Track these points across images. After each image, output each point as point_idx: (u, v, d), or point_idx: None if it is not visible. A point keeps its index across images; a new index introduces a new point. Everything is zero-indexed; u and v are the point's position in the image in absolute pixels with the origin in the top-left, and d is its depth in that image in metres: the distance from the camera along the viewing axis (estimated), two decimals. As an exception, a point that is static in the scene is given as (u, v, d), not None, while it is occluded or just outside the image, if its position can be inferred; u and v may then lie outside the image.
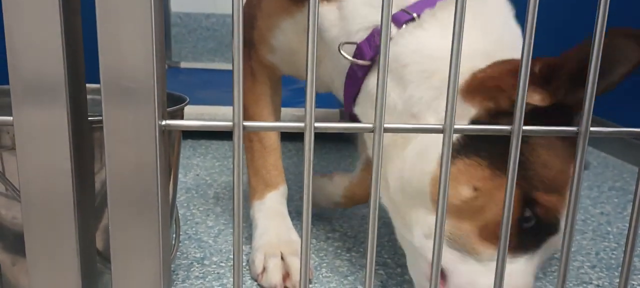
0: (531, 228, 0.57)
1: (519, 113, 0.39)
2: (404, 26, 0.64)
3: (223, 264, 0.84)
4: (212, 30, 2.57)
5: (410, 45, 0.64)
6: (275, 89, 0.92)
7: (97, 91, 0.37)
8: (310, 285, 0.79)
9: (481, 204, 0.57)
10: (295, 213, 0.94)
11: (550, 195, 0.55)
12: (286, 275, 0.77)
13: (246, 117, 0.92)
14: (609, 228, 1.05)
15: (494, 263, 0.42)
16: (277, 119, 0.94)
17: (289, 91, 1.85)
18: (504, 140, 0.39)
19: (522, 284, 0.57)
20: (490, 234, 0.57)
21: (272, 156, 0.90)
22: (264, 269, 0.78)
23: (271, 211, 0.88)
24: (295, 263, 0.77)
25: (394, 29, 0.64)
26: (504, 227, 0.41)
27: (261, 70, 0.89)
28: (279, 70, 0.89)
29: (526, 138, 0.53)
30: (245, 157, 0.92)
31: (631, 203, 0.42)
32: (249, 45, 0.88)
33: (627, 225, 0.43)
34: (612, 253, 0.95)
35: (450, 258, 0.58)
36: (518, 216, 0.56)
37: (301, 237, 0.40)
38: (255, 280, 0.79)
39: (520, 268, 0.57)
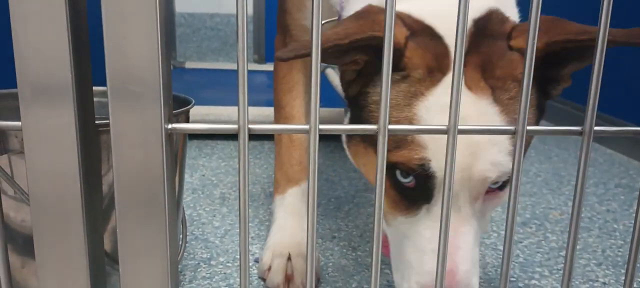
0: (416, 185, 0.57)
1: (523, 113, 0.39)
2: None
3: (230, 264, 0.84)
4: (216, 30, 2.58)
5: None
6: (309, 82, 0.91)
7: (104, 94, 0.37)
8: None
9: (366, 171, 0.64)
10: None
11: (401, 150, 0.56)
12: (291, 276, 0.77)
13: (277, 106, 0.92)
14: (616, 226, 1.05)
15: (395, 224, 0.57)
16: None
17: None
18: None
19: (433, 235, 0.57)
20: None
21: (298, 151, 0.89)
22: (270, 268, 0.78)
23: (290, 208, 0.88)
24: (299, 265, 0.77)
25: None
26: (509, 226, 0.41)
27: (292, 61, 0.88)
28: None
29: (363, 105, 0.60)
30: (275, 150, 0.92)
31: (637, 200, 0.42)
32: (284, 30, 0.87)
33: (634, 222, 0.43)
34: (619, 251, 0.94)
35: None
36: (392, 183, 0.58)
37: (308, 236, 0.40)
38: (262, 278, 0.79)
39: (426, 221, 0.58)
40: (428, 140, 0.54)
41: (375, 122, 0.43)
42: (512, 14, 0.65)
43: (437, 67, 0.56)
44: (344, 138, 0.68)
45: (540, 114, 0.62)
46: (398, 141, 0.55)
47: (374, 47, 0.53)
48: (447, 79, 0.56)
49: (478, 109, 0.55)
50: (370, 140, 0.61)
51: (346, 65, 0.60)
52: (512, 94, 0.56)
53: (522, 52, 0.56)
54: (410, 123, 0.55)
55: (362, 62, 0.59)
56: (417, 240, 0.58)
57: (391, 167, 0.57)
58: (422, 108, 0.55)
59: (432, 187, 0.56)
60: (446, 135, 0.38)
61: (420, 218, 0.58)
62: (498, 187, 0.59)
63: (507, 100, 0.56)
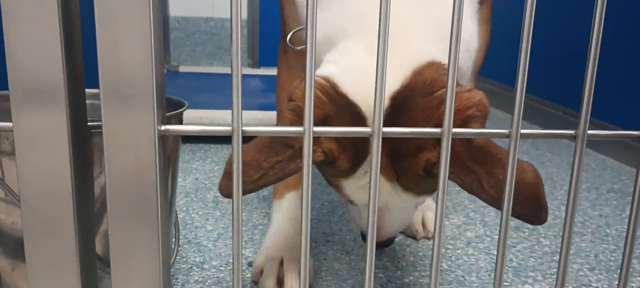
0: None
1: (517, 117, 0.39)
2: None
3: (222, 268, 0.84)
4: (210, 34, 2.58)
5: None
6: None
7: (97, 96, 0.37)
8: (310, 289, 0.79)
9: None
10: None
11: (336, 188, 0.68)
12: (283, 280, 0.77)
13: (279, 113, 0.94)
14: (608, 230, 1.05)
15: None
16: None
17: (288, 95, 1.85)
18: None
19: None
20: None
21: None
22: (262, 272, 0.78)
23: (287, 212, 0.88)
24: (290, 270, 0.77)
25: None
26: (502, 230, 0.41)
27: (297, 61, 0.89)
28: None
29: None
30: None
31: (630, 205, 0.43)
32: (284, 38, 0.89)
33: (626, 227, 0.43)
34: (611, 255, 0.95)
35: None
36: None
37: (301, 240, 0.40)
38: (254, 282, 0.79)
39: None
40: (350, 195, 0.67)
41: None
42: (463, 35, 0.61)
43: (356, 161, 0.61)
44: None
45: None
46: (335, 186, 0.68)
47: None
48: (364, 164, 0.61)
49: (393, 193, 0.64)
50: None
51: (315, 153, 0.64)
52: (414, 180, 0.62)
53: (428, 166, 0.59)
54: (340, 189, 0.67)
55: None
56: (364, 213, 0.74)
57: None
58: (347, 187, 0.65)
59: (355, 204, 0.72)
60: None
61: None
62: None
63: (412, 184, 0.63)
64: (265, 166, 0.57)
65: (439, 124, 0.50)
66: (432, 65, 0.58)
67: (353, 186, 0.64)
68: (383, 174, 0.62)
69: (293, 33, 0.79)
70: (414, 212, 0.83)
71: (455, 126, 0.39)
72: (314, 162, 0.60)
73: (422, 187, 0.64)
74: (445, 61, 0.59)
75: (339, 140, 0.60)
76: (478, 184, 0.54)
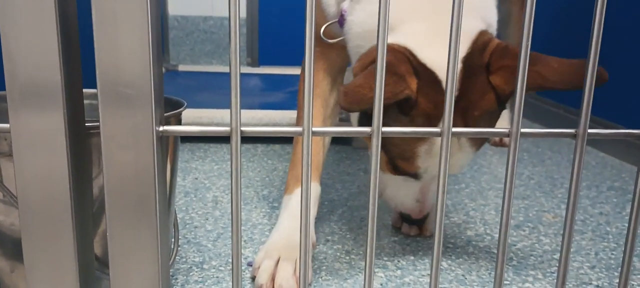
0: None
1: (517, 116, 0.39)
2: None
3: (222, 268, 0.84)
4: (209, 33, 2.57)
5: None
6: (333, 81, 0.94)
7: (95, 96, 0.37)
8: (310, 288, 0.79)
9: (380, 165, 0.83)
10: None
11: (404, 161, 0.77)
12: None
13: (299, 106, 0.98)
14: (608, 229, 1.05)
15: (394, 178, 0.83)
16: (330, 114, 0.95)
17: (287, 93, 1.85)
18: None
19: (416, 190, 0.85)
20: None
21: (312, 151, 0.90)
22: (259, 268, 0.78)
23: (295, 209, 0.88)
24: (283, 269, 0.77)
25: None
26: (502, 229, 0.41)
27: (316, 61, 0.91)
28: (335, 56, 0.92)
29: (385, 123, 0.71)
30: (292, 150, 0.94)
31: (630, 203, 0.42)
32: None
33: (626, 225, 0.43)
34: (612, 254, 0.95)
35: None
36: (392, 167, 0.80)
37: (301, 240, 0.40)
38: (252, 278, 0.79)
39: (414, 185, 0.84)
40: (422, 169, 0.77)
41: (387, 149, 0.76)
42: (491, 19, 0.77)
43: (435, 115, 0.70)
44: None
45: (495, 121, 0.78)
46: (405, 158, 0.76)
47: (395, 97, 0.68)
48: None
49: (457, 147, 0.75)
50: (382, 145, 0.76)
51: None
52: (482, 126, 0.72)
53: (498, 91, 0.70)
54: (413, 156, 0.75)
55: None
56: (408, 189, 0.85)
57: (394, 165, 0.79)
58: (423, 151, 0.74)
59: (419, 176, 0.80)
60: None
61: (411, 182, 0.83)
62: None
63: (480, 138, 0.75)
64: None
65: (494, 77, 0.70)
66: (483, 34, 0.72)
67: (428, 152, 0.73)
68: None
69: (326, 26, 0.86)
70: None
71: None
72: (396, 100, 0.66)
73: (482, 141, 0.76)
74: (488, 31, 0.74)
75: (421, 89, 0.68)
76: (541, 77, 0.66)
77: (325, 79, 0.93)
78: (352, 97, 0.61)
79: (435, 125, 0.69)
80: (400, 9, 0.73)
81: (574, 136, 0.40)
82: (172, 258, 0.76)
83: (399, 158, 0.77)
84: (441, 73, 0.70)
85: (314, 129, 0.37)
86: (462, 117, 0.71)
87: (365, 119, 0.76)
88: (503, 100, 0.72)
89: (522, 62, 0.38)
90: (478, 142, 0.77)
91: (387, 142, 0.77)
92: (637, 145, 1.45)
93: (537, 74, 0.66)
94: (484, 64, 0.71)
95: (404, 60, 0.68)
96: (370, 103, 0.64)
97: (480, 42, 0.72)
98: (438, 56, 0.69)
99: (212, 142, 1.53)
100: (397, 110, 0.71)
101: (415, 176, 0.80)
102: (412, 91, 0.68)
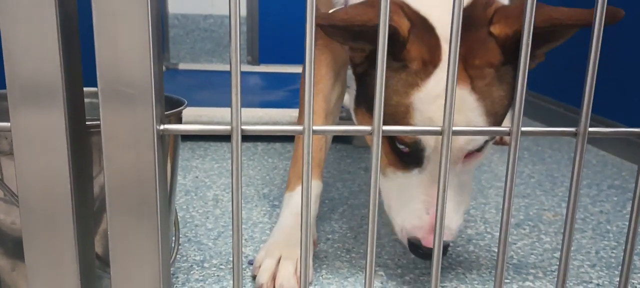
0: (410, 152, 0.69)
1: (518, 114, 0.39)
2: None
3: (223, 267, 0.84)
4: (210, 31, 2.57)
5: None
6: (336, 76, 0.92)
7: (95, 95, 0.37)
8: (311, 287, 0.79)
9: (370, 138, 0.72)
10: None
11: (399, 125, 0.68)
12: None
13: (301, 101, 0.95)
14: (609, 227, 1.05)
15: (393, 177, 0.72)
16: (332, 110, 0.94)
17: (288, 92, 1.85)
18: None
19: (422, 190, 0.71)
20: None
21: (314, 148, 0.89)
22: (260, 267, 0.78)
23: (296, 207, 0.87)
24: (284, 269, 0.77)
25: None
26: (503, 227, 0.41)
27: (319, 55, 0.89)
28: (339, 48, 0.90)
29: (369, 84, 0.70)
30: (294, 147, 0.93)
31: (630, 201, 0.42)
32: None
33: (627, 223, 0.43)
34: (612, 252, 0.95)
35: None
36: (391, 147, 0.71)
37: (302, 238, 0.40)
38: (253, 276, 0.79)
39: (417, 179, 0.71)
40: (420, 122, 0.65)
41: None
42: None
43: (430, 60, 0.65)
44: (352, 106, 0.78)
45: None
46: (397, 120, 0.66)
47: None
48: (438, 71, 0.64)
49: (459, 99, 0.64)
50: (369, 103, 0.70)
51: (354, 50, 0.69)
52: (487, 80, 0.65)
53: (500, 39, 0.65)
54: (407, 110, 0.66)
55: (368, 50, 0.68)
56: (410, 190, 0.72)
57: (391, 138, 0.70)
58: (417, 98, 0.65)
59: (422, 155, 0.68)
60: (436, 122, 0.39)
61: (413, 176, 0.71)
62: (476, 149, 0.69)
63: (484, 87, 0.65)
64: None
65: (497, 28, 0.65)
66: None
67: (426, 99, 0.65)
68: (459, 82, 0.63)
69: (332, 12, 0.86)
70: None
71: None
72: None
73: (495, 97, 0.66)
74: None
75: (413, 31, 0.64)
76: (550, 16, 0.62)
77: (328, 74, 0.91)
78: (330, 17, 0.59)
79: (430, 73, 0.64)
80: None
81: (574, 135, 0.40)
82: (172, 257, 0.76)
83: (392, 121, 0.68)
84: (436, 21, 0.66)
85: (314, 127, 0.37)
86: (462, 63, 0.65)
87: (361, 96, 0.73)
88: (507, 48, 0.66)
89: (522, 62, 0.38)
90: (491, 108, 0.66)
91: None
92: (638, 143, 1.45)
93: (546, 13, 0.63)
94: (487, 19, 0.67)
95: (396, 7, 0.65)
96: (347, 22, 0.61)
97: (481, 1, 0.69)
98: (433, 7, 0.66)
99: (212, 141, 1.53)
100: (391, 58, 0.66)
101: (418, 157, 0.69)
102: (399, 27, 0.63)
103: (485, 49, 0.65)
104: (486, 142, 0.70)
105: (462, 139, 0.66)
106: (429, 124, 0.65)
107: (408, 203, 0.72)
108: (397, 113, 0.67)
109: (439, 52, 0.65)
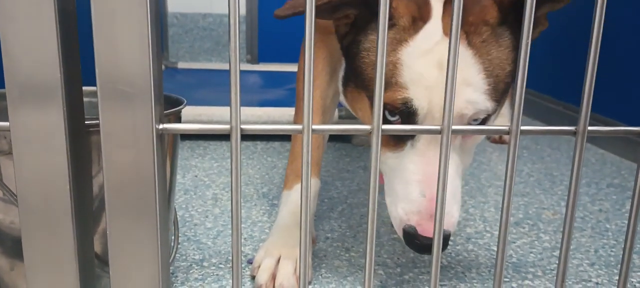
0: (402, 120, 0.64)
1: (517, 113, 0.39)
2: None
3: (222, 266, 0.84)
4: (209, 30, 2.57)
5: None
6: (333, 72, 0.91)
7: (94, 94, 0.37)
8: (310, 286, 0.79)
9: (362, 115, 0.72)
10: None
11: (386, 91, 0.63)
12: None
13: (297, 97, 0.95)
14: (608, 225, 1.05)
15: (385, 159, 0.68)
16: (329, 106, 0.93)
17: (287, 91, 1.85)
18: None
19: (416, 167, 0.65)
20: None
21: (311, 146, 0.89)
22: (259, 266, 0.78)
23: (294, 205, 0.87)
24: (284, 268, 0.77)
25: None
26: (502, 226, 0.41)
27: (315, 50, 0.88)
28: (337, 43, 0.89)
29: (356, 53, 0.67)
30: (291, 145, 0.93)
31: (630, 200, 0.42)
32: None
33: (626, 222, 0.43)
34: (611, 251, 0.95)
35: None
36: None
37: (302, 238, 0.40)
38: (252, 276, 0.79)
39: (410, 155, 0.65)
40: (409, 81, 0.61)
41: (366, 64, 0.64)
42: None
43: (419, 17, 0.63)
44: (340, 85, 0.76)
45: (516, 55, 0.69)
46: (384, 79, 0.64)
47: (363, 1, 0.63)
48: (427, 27, 0.63)
49: (467, 58, 0.62)
50: (362, 85, 0.68)
51: (339, 19, 0.68)
52: (484, 37, 0.63)
53: None
54: (395, 66, 0.62)
55: (353, 16, 0.67)
56: (403, 172, 0.65)
57: (382, 113, 0.67)
58: (405, 53, 0.62)
59: (415, 121, 0.63)
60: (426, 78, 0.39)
61: (406, 153, 0.66)
62: (477, 123, 0.65)
63: (480, 44, 0.63)
64: None
65: None
66: None
67: (415, 54, 0.61)
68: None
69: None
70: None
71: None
72: None
73: (493, 56, 0.63)
74: None
75: None
76: None
77: (324, 69, 0.90)
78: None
79: (419, 29, 0.63)
80: None
81: (574, 133, 0.40)
82: (172, 256, 0.76)
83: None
84: None
85: (314, 126, 0.37)
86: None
87: (350, 70, 0.71)
88: (505, 6, 0.64)
89: (522, 61, 0.38)
90: (490, 68, 0.63)
91: (362, 69, 0.66)
92: (637, 142, 1.45)
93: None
94: None
95: None
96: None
97: None
98: None
99: (211, 140, 1.53)
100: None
101: (410, 114, 0.63)
102: None
103: (480, 6, 0.64)
104: (489, 115, 0.65)
105: (461, 106, 0.61)
106: (418, 79, 0.61)
107: (402, 189, 0.65)
108: (385, 72, 0.65)
109: (428, 8, 0.64)
